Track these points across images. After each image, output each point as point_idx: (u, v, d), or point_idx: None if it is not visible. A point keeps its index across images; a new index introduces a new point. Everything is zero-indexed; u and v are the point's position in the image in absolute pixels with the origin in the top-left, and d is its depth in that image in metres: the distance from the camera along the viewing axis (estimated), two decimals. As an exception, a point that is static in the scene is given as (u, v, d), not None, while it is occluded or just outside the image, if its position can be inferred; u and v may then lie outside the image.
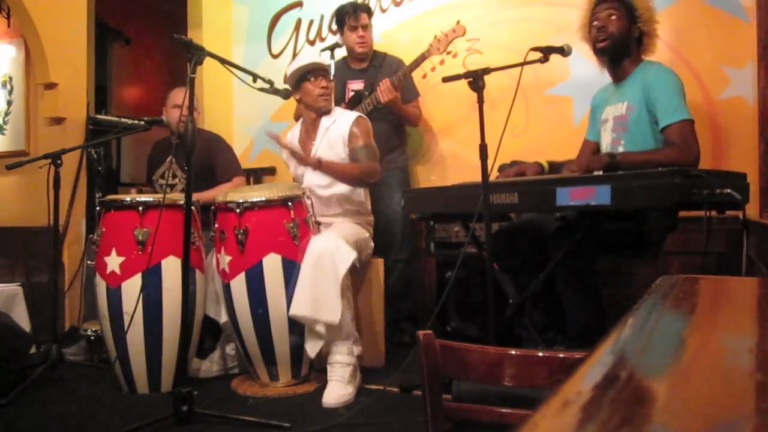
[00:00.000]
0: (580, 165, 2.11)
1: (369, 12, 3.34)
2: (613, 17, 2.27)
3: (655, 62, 2.33)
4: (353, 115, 2.76)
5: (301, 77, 2.69)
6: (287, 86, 2.71)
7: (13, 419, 2.22)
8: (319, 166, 2.60)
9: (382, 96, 3.07)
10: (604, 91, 2.52)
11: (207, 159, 3.04)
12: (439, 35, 3.08)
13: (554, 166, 2.44)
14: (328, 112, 2.76)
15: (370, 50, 3.34)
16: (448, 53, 3.32)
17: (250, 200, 2.40)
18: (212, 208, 2.55)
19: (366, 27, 3.28)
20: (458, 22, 3.08)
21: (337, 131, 2.70)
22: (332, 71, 3.13)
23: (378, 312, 2.80)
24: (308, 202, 2.53)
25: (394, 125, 3.28)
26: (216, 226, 2.50)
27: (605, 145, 2.38)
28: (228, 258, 2.41)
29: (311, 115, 2.76)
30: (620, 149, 2.26)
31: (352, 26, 3.29)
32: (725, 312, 0.85)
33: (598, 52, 2.33)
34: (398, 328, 3.16)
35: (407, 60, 3.27)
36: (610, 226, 2.13)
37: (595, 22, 2.30)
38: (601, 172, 2.05)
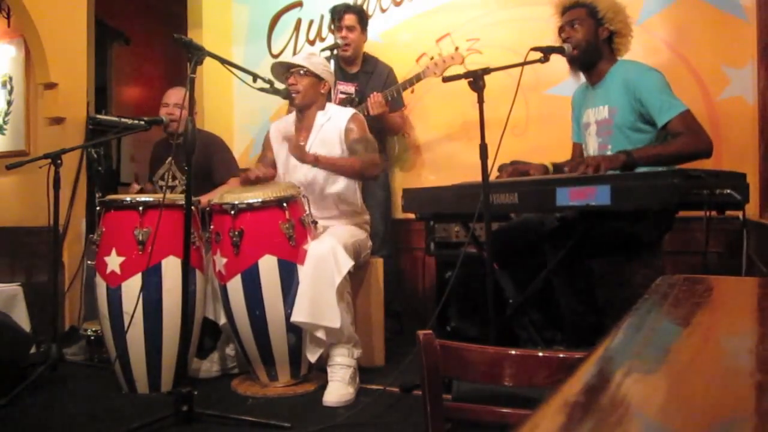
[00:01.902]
0: (596, 164, 2.03)
1: (359, 14, 3.32)
2: (577, 25, 2.27)
3: (631, 61, 2.33)
4: (348, 111, 2.74)
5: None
6: (286, 86, 2.71)
7: (13, 419, 2.22)
8: (317, 162, 2.56)
9: (372, 109, 3.10)
10: (581, 92, 2.52)
11: (204, 160, 3.04)
12: (437, 59, 3.10)
13: (558, 167, 2.44)
14: (321, 108, 2.74)
15: (355, 53, 3.33)
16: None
17: (244, 202, 2.38)
18: (207, 209, 2.54)
19: (351, 29, 3.28)
20: (457, 49, 3.14)
21: (332, 128, 2.68)
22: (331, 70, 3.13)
23: (377, 312, 2.80)
24: (304, 201, 2.52)
25: (375, 131, 3.29)
26: (211, 227, 2.49)
27: (592, 151, 2.37)
28: (224, 260, 2.41)
29: (297, 111, 2.78)
30: (608, 153, 2.25)
31: (337, 27, 3.33)
32: (725, 312, 0.86)
33: (570, 62, 2.33)
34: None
35: (401, 70, 3.30)
36: (608, 226, 2.13)
37: (562, 34, 2.31)
38: (618, 172, 2.04)
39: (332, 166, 2.60)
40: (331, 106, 2.79)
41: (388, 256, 3.26)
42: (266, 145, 2.90)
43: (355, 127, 2.67)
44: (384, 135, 3.44)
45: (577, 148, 2.57)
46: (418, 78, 3.14)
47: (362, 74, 3.35)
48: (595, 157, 2.17)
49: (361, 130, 2.69)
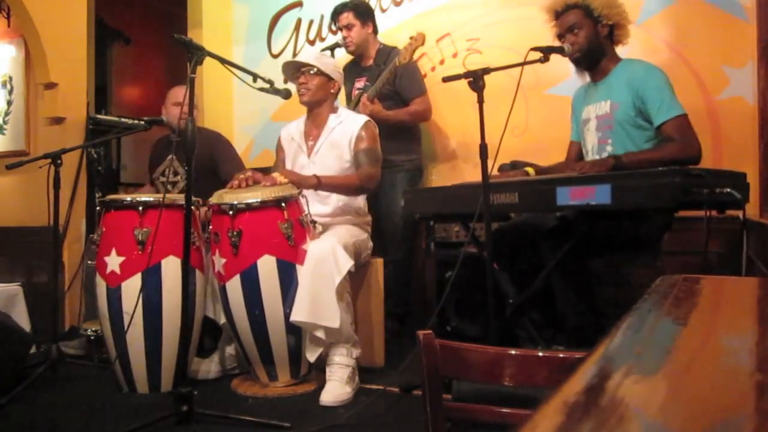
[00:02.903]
0: (584, 169, 2.08)
1: (354, 9, 3.28)
2: (576, 30, 2.27)
3: (636, 60, 2.35)
4: (362, 118, 2.74)
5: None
6: (287, 86, 2.72)
7: (13, 419, 2.22)
8: (320, 184, 2.55)
9: (362, 110, 3.05)
10: (582, 90, 2.52)
11: (209, 157, 3.04)
12: (406, 44, 3.08)
13: (542, 172, 2.45)
14: (333, 110, 2.74)
15: (360, 48, 3.31)
16: (454, 56, 3.30)
17: (243, 202, 2.37)
18: (206, 209, 2.53)
19: (349, 26, 3.27)
20: (418, 32, 3.08)
21: (342, 132, 2.68)
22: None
23: (377, 312, 2.79)
24: (303, 201, 2.51)
25: (404, 126, 3.26)
26: (210, 228, 2.49)
27: (591, 146, 2.37)
28: (223, 260, 2.40)
29: (308, 110, 2.78)
30: (608, 149, 2.26)
31: (337, 27, 3.33)
32: (725, 312, 0.85)
33: (575, 63, 2.33)
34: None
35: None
36: (608, 226, 2.13)
37: (563, 40, 2.30)
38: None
39: (333, 187, 2.61)
40: (343, 110, 2.80)
41: (402, 259, 3.25)
42: (278, 150, 2.90)
43: (366, 137, 2.67)
44: (411, 130, 3.34)
45: (574, 147, 2.57)
46: (394, 65, 3.10)
47: (374, 66, 3.31)
48: (584, 163, 2.18)
49: (370, 141, 2.68)
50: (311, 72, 2.68)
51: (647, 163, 2.05)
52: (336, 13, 3.32)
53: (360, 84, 3.31)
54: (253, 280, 2.36)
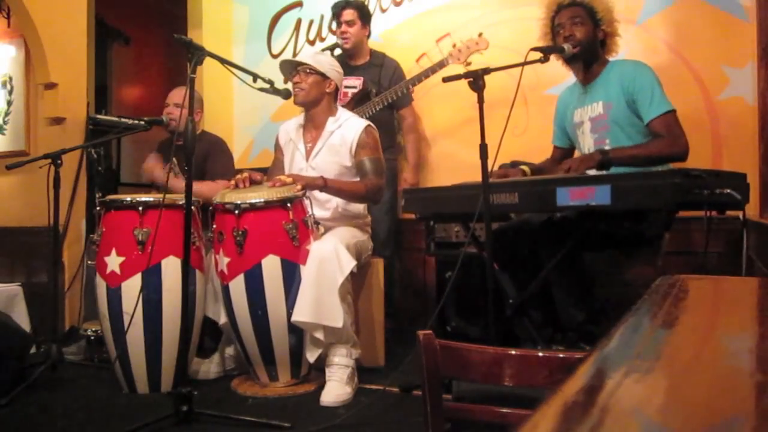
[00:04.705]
0: (572, 165, 2.10)
1: (358, 8, 3.32)
2: (578, 23, 2.27)
3: (623, 60, 2.36)
4: (362, 123, 2.68)
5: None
6: (287, 86, 2.71)
7: (13, 419, 2.22)
8: (326, 186, 2.52)
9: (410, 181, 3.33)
10: (569, 93, 2.52)
11: (203, 161, 3.04)
12: (460, 44, 3.05)
13: (535, 170, 2.47)
14: (332, 112, 2.71)
15: (356, 45, 3.34)
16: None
17: (248, 201, 2.37)
18: (210, 208, 2.54)
19: (350, 23, 3.30)
20: (480, 35, 3.05)
21: (342, 136, 2.64)
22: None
23: (377, 312, 2.80)
24: (307, 202, 2.51)
25: (387, 127, 3.30)
26: (214, 227, 2.49)
27: (588, 148, 2.37)
28: (227, 260, 2.40)
29: (305, 110, 2.74)
30: (606, 149, 2.26)
31: (337, 23, 3.37)
32: (725, 312, 0.85)
33: (570, 60, 2.33)
34: None
35: (408, 62, 3.28)
36: (607, 226, 2.13)
37: (561, 30, 2.30)
38: (594, 171, 2.06)
39: (338, 192, 2.58)
40: (343, 113, 2.73)
41: (389, 256, 3.26)
42: (276, 149, 2.88)
43: (368, 144, 2.63)
44: (394, 131, 3.45)
45: (558, 152, 2.58)
46: (441, 65, 3.09)
47: (373, 67, 3.35)
48: (572, 159, 2.20)
49: (374, 150, 2.64)
50: (306, 70, 2.64)
51: (634, 158, 2.09)
52: (338, 8, 3.34)
53: (355, 82, 3.31)
54: (257, 280, 2.36)
